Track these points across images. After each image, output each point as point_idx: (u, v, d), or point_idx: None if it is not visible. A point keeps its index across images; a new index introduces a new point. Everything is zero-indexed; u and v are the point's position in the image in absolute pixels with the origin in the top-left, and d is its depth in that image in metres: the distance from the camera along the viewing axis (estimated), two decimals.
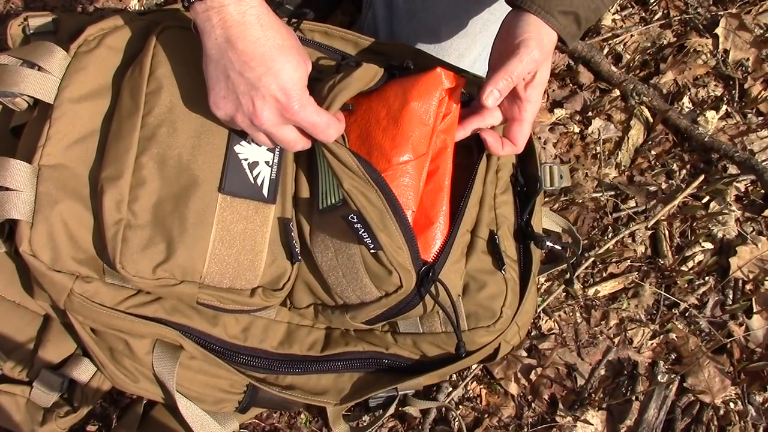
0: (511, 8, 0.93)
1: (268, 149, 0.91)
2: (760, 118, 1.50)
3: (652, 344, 1.34)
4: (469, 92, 1.02)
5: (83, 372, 1.02)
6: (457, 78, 0.98)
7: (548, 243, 1.03)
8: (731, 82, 1.52)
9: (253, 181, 0.89)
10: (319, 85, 0.90)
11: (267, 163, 0.90)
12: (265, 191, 0.89)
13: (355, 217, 0.85)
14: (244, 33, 0.79)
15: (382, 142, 0.93)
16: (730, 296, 1.37)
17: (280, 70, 0.80)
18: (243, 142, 0.90)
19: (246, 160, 0.89)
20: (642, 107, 1.48)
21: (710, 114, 1.48)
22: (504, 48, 0.92)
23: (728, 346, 1.34)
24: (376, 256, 0.86)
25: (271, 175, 0.90)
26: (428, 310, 0.95)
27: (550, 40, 0.90)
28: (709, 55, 1.55)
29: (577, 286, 1.37)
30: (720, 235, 1.41)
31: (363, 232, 0.85)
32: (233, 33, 0.78)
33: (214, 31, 0.79)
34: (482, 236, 1.01)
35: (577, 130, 1.48)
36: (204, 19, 0.79)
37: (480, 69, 1.25)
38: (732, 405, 1.30)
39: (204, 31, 0.80)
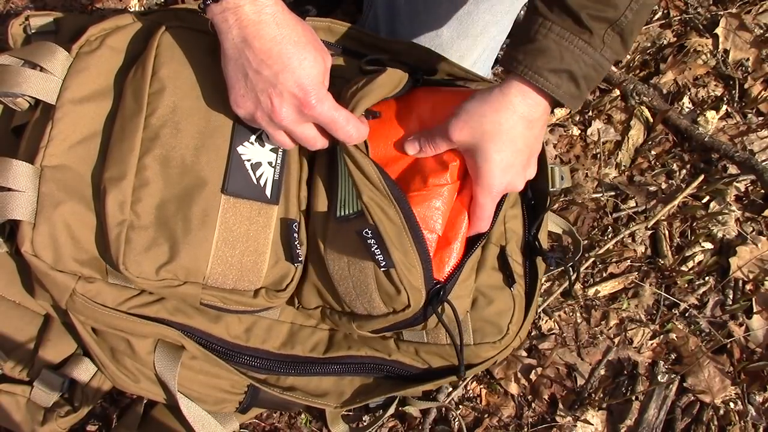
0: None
1: (271, 149, 0.91)
2: (760, 118, 1.50)
3: (652, 344, 1.34)
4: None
5: (84, 372, 1.02)
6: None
7: (555, 259, 1.03)
8: (731, 82, 1.52)
9: (256, 182, 0.89)
10: (342, 87, 0.91)
11: (270, 164, 0.90)
12: (268, 192, 0.89)
13: (369, 232, 0.84)
14: (261, 32, 0.80)
15: (424, 161, 0.93)
16: (730, 296, 1.38)
17: (296, 66, 0.81)
18: (246, 143, 0.90)
19: (249, 161, 0.89)
20: (642, 107, 1.49)
21: (710, 114, 1.48)
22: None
23: (728, 346, 1.34)
24: (387, 273, 0.86)
25: (274, 176, 0.90)
26: (434, 326, 0.95)
27: (523, 110, 0.86)
28: (709, 55, 1.55)
29: (577, 286, 1.37)
30: (720, 235, 1.41)
31: (376, 248, 0.84)
32: (250, 32, 0.80)
33: (231, 31, 0.80)
34: (492, 252, 1.01)
35: (577, 132, 1.48)
36: (221, 20, 0.80)
37: (480, 70, 1.25)
38: (732, 405, 1.30)
39: (221, 31, 0.81)
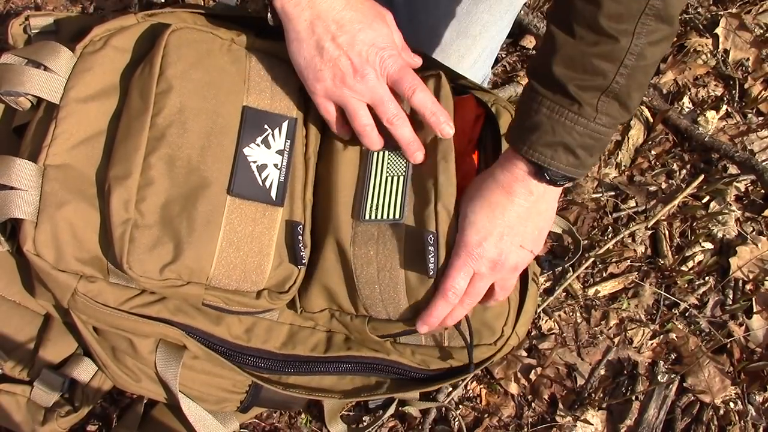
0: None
1: (277, 152, 0.91)
2: (760, 118, 1.50)
3: (652, 344, 1.34)
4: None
5: (84, 372, 1.02)
6: (480, 107, 1.01)
7: (546, 260, 1.03)
8: (731, 82, 1.52)
9: (261, 184, 0.88)
10: None
11: (275, 165, 0.90)
12: (273, 194, 0.89)
13: (433, 238, 0.86)
14: (333, 4, 0.86)
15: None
16: (730, 296, 1.38)
17: (372, 26, 0.88)
18: (252, 145, 0.90)
19: (255, 162, 0.89)
20: (642, 107, 1.49)
21: (710, 114, 1.49)
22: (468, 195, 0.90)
23: (728, 346, 1.34)
24: (423, 281, 0.88)
25: (279, 178, 0.90)
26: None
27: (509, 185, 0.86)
28: (709, 55, 1.55)
29: (577, 285, 1.37)
30: (720, 235, 1.41)
31: (431, 256, 0.86)
32: (322, 8, 0.86)
33: (303, 13, 0.86)
34: None
35: None
36: (294, 4, 0.86)
37: (479, 70, 1.25)
38: (732, 405, 1.30)
39: (292, 16, 0.86)
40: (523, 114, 0.84)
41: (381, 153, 0.92)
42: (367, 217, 0.90)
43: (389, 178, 0.92)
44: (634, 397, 1.30)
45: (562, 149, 0.82)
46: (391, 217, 0.89)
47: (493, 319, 0.99)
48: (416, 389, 1.03)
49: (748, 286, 1.38)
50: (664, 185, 1.45)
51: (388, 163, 0.92)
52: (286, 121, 0.92)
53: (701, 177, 1.43)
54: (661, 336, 1.35)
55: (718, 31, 1.55)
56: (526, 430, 1.28)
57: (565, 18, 0.80)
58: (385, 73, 0.88)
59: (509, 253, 0.87)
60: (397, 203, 0.90)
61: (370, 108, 0.90)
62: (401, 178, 0.91)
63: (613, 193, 1.44)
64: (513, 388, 1.30)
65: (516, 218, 0.87)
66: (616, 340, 1.34)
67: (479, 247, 0.86)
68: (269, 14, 0.89)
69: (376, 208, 0.90)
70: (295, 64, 0.89)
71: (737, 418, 1.29)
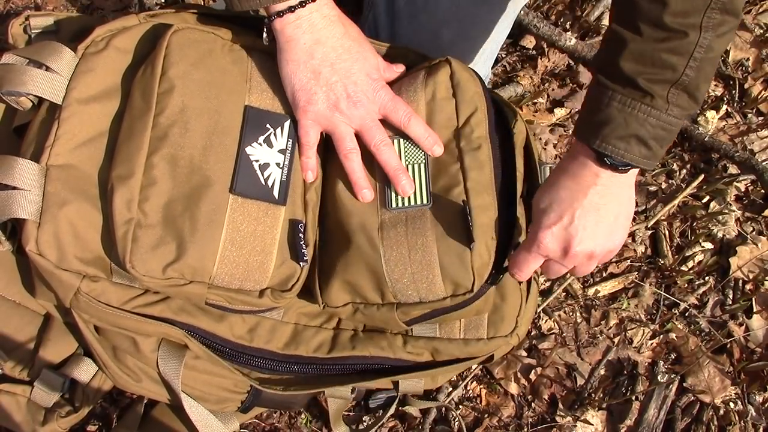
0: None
1: (279, 151, 0.91)
2: (760, 118, 1.50)
3: (652, 344, 1.34)
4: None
5: (84, 372, 1.02)
6: None
7: None
8: (731, 82, 1.52)
9: (263, 183, 0.88)
10: None
11: (278, 164, 0.90)
12: (275, 192, 0.89)
13: (469, 209, 0.88)
14: (333, 32, 0.89)
15: None
16: (730, 296, 1.38)
17: (366, 57, 0.92)
18: (254, 144, 0.89)
19: (257, 161, 0.89)
20: None
21: (710, 114, 1.49)
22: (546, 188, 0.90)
23: (728, 346, 1.34)
24: (461, 256, 0.88)
25: (282, 177, 0.90)
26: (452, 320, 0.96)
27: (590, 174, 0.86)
28: None
29: (577, 285, 1.37)
30: (720, 235, 1.41)
31: (471, 225, 0.87)
32: (323, 34, 0.89)
33: (303, 36, 0.88)
34: None
35: None
36: (294, 27, 0.87)
37: (479, 71, 1.23)
38: (732, 405, 1.30)
39: (291, 38, 0.88)
40: (593, 108, 0.85)
41: (396, 141, 0.93)
42: (394, 205, 0.91)
43: (409, 166, 0.93)
44: (634, 397, 1.30)
45: (635, 141, 0.83)
46: (418, 203, 0.91)
47: (511, 310, 1.01)
48: (419, 371, 1.03)
49: (748, 286, 1.38)
50: (664, 185, 1.45)
51: (405, 151, 0.93)
52: (288, 121, 0.92)
53: (701, 177, 1.43)
54: (661, 336, 1.35)
55: None
56: (526, 430, 1.28)
57: (630, 18, 0.81)
58: (377, 102, 0.91)
59: (581, 240, 0.87)
60: (422, 189, 0.91)
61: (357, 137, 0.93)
62: (421, 165, 0.93)
63: None
64: (513, 388, 1.30)
65: (587, 203, 0.86)
66: (616, 340, 1.34)
67: (548, 232, 0.87)
68: (265, 34, 0.90)
69: (403, 197, 0.92)
70: (287, 84, 0.90)
71: (737, 418, 1.29)
